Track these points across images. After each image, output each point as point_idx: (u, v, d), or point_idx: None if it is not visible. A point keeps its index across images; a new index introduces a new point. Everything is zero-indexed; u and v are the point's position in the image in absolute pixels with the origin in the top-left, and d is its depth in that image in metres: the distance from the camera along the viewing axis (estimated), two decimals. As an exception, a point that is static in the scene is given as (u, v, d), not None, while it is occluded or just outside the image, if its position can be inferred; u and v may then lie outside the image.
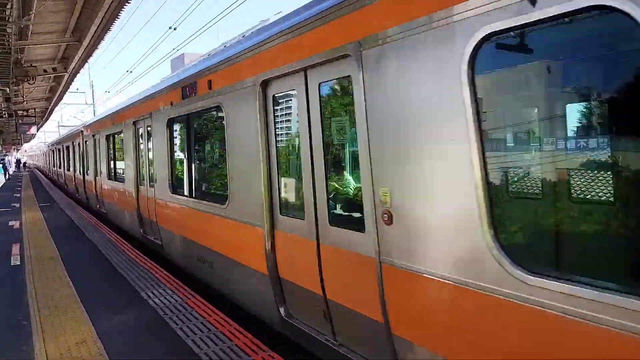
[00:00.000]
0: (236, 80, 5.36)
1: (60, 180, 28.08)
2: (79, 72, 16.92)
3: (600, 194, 2.50)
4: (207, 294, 6.54)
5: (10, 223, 13.45)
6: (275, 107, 4.81)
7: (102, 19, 10.53)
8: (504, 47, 2.70)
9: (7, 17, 8.47)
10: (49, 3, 9.70)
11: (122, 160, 11.65)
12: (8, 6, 7.87)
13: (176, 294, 6.22)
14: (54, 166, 33.99)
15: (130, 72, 29.87)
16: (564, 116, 2.66)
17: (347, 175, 4.22)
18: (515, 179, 3.00)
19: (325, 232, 4.10)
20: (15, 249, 9.60)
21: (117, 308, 5.77)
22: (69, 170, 23.17)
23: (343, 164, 4.29)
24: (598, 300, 2.19)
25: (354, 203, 3.96)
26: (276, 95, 4.77)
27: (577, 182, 2.59)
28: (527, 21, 2.40)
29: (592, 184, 2.52)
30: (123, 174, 11.44)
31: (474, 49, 2.67)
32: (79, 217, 14.44)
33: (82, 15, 11.13)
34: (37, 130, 37.66)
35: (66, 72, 15.96)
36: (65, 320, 5.39)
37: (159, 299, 6.01)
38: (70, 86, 21.16)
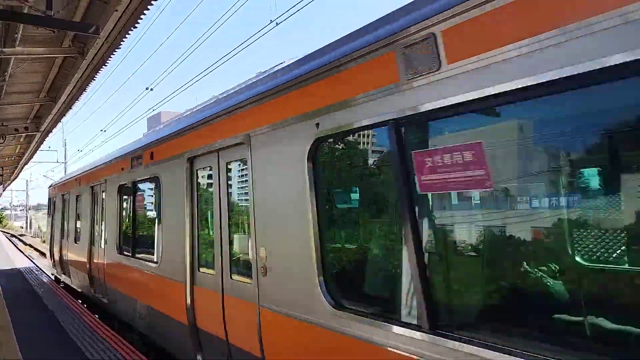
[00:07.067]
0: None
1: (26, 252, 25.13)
2: (51, 132, 16.73)
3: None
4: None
5: (-38, 288, 12.61)
6: None
7: (77, 81, 10.56)
8: None
9: (-21, 78, 8.42)
10: (26, 64, 9.71)
11: (150, 224, 7.64)
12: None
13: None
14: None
15: (104, 131, 29.86)
16: None
17: None
18: None
19: None
20: (-36, 317, 8.92)
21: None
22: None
23: None
24: None
25: None
26: None
27: None
28: None
29: None
30: (151, 248, 7.17)
31: None
32: (40, 283, 13.66)
33: (58, 76, 11.17)
34: (4, 190, 36.59)
35: (38, 131, 15.75)
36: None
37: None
38: (42, 145, 20.87)
